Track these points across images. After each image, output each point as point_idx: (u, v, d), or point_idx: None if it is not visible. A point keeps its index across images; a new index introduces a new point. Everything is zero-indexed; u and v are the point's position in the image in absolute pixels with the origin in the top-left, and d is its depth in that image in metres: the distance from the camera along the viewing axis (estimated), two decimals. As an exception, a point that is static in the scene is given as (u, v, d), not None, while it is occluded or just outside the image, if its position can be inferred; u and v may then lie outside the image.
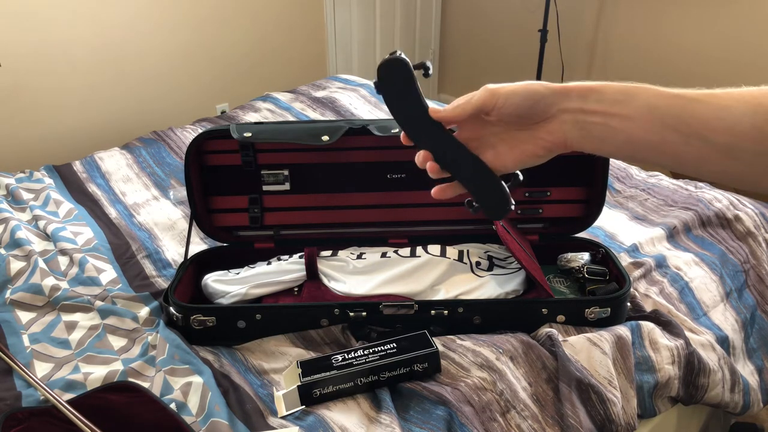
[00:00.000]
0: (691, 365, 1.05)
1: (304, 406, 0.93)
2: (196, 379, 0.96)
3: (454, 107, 0.59)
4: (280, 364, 1.01)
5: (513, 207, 0.61)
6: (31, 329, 1.11)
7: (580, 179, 1.24)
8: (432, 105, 0.61)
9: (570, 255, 1.20)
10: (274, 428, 0.89)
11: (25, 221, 1.44)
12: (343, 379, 0.93)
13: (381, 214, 1.26)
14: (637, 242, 1.32)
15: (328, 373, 0.93)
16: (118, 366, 1.03)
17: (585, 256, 1.19)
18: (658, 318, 1.10)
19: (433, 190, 0.61)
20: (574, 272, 1.19)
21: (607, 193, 1.50)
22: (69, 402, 0.90)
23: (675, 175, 1.70)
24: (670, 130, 0.49)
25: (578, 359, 0.98)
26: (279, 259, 1.20)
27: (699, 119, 0.48)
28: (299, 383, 0.93)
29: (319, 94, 2.20)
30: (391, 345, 0.96)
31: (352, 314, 1.05)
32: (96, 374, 1.00)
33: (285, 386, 0.97)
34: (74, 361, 1.04)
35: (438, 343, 1.00)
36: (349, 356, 0.95)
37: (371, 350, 0.96)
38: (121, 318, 1.14)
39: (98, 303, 1.17)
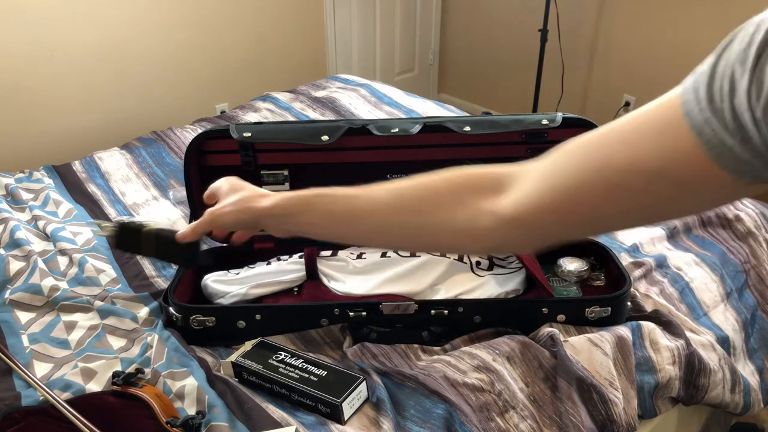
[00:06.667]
0: (692, 365, 1.05)
1: (237, 380, 0.98)
2: (194, 382, 0.96)
3: (191, 231, 0.82)
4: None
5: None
6: (30, 329, 1.11)
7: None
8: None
9: (564, 263, 1.21)
10: (273, 427, 0.89)
11: (24, 221, 1.44)
12: (265, 377, 0.95)
13: (381, 214, 1.26)
14: (637, 242, 1.32)
15: (256, 366, 0.96)
16: (117, 366, 1.02)
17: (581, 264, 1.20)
18: (658, 318, 1.10)
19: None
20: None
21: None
22: (68, 402, 0.90)
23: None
24: (339, 224, 0.67)
25: (579, 360, 0.98)
26: (279, 259, 1.20)
27: (356, 211, 0.64)
28: (234, 360, 0.98)
29: (319, 94, 2.19)
30: (322, 372, 0.94)
31: (352, 314, 1.05)
32: (95, 374, 1.00)
33: (238, 353, 1.00)
34: (74, 361, 1.04)
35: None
36: (289, 360, 0.96)
37: (302, 366, 0.95)
38: (120, 318, 1.14)
39: (98, 303, 1.16)
